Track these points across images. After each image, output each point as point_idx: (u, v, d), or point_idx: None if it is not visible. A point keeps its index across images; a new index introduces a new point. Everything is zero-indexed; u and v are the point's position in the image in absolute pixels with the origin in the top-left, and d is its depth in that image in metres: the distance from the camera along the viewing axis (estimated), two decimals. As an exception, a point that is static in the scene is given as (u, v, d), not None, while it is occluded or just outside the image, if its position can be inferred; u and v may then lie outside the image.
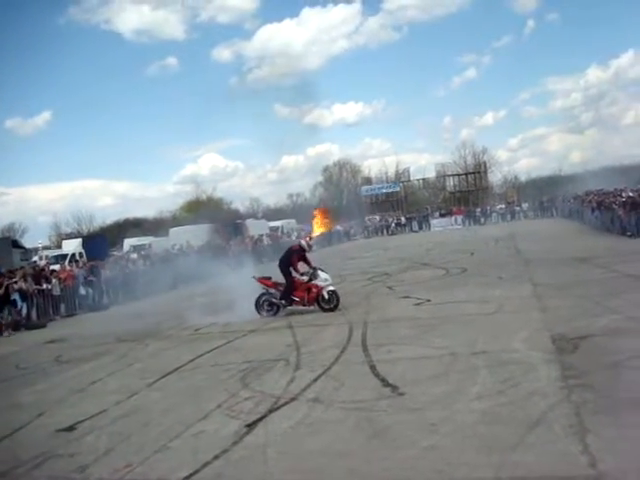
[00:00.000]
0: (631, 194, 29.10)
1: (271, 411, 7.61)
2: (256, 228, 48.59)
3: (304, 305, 15.38)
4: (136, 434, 7.46)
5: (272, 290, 15.77)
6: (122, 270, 27.67)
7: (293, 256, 15.62)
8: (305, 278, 15.38)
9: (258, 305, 15.74)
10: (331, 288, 15.29)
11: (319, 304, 15.22)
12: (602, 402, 6.53)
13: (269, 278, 15.93)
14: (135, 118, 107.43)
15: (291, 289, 15.41)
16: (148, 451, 6.73)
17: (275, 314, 15.56)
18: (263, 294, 15.83)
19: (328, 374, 9.08)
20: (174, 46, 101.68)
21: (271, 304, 15.70)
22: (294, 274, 15.47)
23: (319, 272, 15.28)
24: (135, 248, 42.89)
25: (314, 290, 15.20)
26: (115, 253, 40.94)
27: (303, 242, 15.89)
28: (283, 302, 15.52)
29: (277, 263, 16.12)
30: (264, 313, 15.63)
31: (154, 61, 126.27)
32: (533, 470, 5.17)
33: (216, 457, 6.28)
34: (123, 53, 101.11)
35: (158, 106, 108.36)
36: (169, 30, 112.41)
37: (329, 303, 15.13)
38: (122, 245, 49.65)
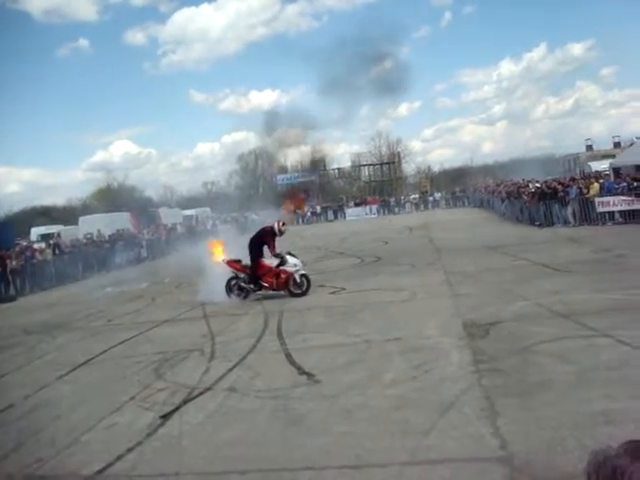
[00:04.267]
0: (539, 185, 29.99)
1: (186, 402, 7.54)
2: (170, 217, 47.81)
3: (274, 290, 15.12)
4: (46, 428, 7.26)
5: (241, 274, 15.43)
6: (29, 260, 26.78)
7: (267, 236, 15.27)
8: (274, 263, 15.12)
9: (228, 288, 15.44)
10: (302, 272, 15.16)
11: (289, 289, 15.01)
12: (512, 386, 6.75)
13: (239, 261, 15.51)
14: (43, 102, 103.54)
15: (257, 273, 15.12)
16: (59, 445, 6.57)
17: (245, 298, 15.22)
18: (232, 277, 15.48)
19: (243, 363, 9.06)
20: (85, 27, 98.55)
21: (241, 288, 15.38)
22: (263, 259, 15.29)
23: (288, 257, 15.07)
24: (43, 237, 41.60)
25: (283, 276, 14.96)
26: (22, 242, 39.56)
27: (276, 225, 15.50)
28: (252, 287, 15.23)
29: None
30: (234, 297, 15.30)
31: (64, 43, 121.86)
32: (446, 453, 5.30)
33: (130, 450, 6.18)
34: (32, 34, 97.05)
35: (68, 89, 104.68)
36: (80, 10, 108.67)
37: (300, 287, 14.98)
38: (29, 234, 47.98)
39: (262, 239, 15.33)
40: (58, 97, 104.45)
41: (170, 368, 9.30)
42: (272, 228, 15.49)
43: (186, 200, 72.70)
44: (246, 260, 15.40)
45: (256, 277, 15.15)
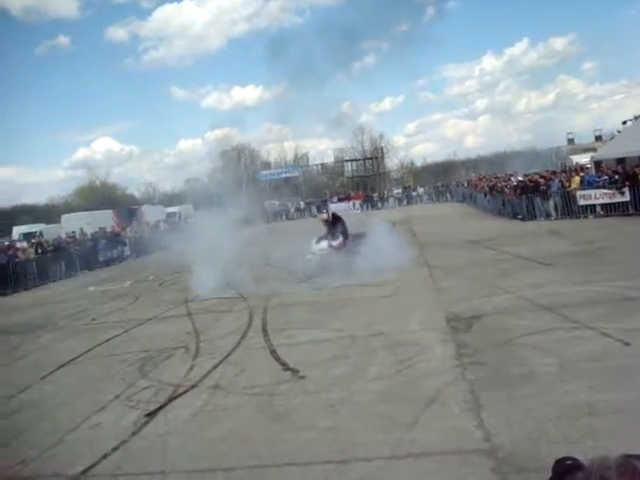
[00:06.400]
0: (521, 178, 30.14)
1: (171, 400, 7.53)
2: (152, 214, 47.60)
3: None
4: (30, 429, 7.22)
5: None
6: (11, 259, 26.55)
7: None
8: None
9: None
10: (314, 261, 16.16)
11: None
12: (495, 378, 6.80)
13: None
14: (24, 100, 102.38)
15: None
16: (43, 446, 6.53)
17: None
18: None
19: (228, 360, 9.05)
20: (66, 24, 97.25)
21: None
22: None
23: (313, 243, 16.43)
24: (25, 236, 41.28)
25: None
26: (3, 241, 39.23)
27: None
28: None
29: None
30: None
31: (45, 40, 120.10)
32: (429, 447, 5.32)
33: (115, 449, 6.16)
34: (11, 31, 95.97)
35: (49, 87, 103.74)
36: (60, 7, 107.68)
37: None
38: (11, 233, 47.57)
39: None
40: (39, 95, 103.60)
41: (155, 366, 9.28)
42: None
43: (169, 197, 72.36)
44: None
45: None
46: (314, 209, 60.95)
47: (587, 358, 7.02)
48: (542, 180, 26.90)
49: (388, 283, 13.96)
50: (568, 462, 1.53)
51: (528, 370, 6.88)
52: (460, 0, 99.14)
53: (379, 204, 60.21)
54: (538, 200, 25.80)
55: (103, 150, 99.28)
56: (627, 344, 7.36)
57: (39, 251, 29.00)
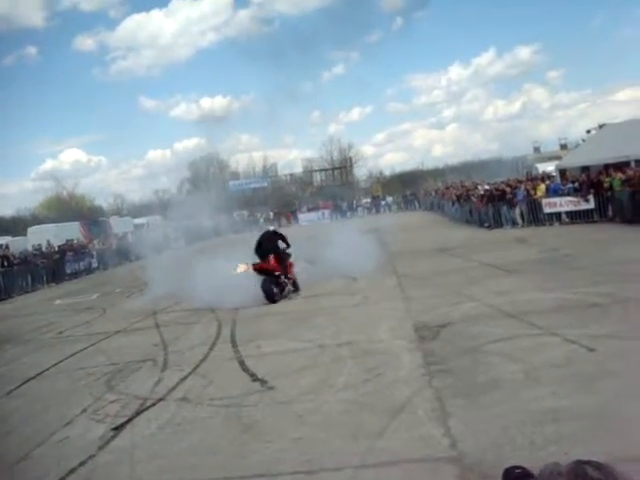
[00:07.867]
0: (487, 187, 30.45)
1: (138, 413, 7.48)
2: (120, 225, 47.32)
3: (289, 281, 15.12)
4: (-5, 444, 7.14)
5: (277, 272, 14.60)
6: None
7: (277, 235, 15.42)
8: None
9: (268, 291, 14.29)
10: None
11: (295, 282, 15.37)
12: (462, 386, 6.87)
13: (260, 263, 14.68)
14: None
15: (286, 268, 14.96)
16: (10, 461, 6.45)
17: (284, 296, 14.70)
18: (266, 279, 14.36)
19: (197, 372, 9.03)
20: (33, 34, 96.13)
21: (278, 285, 14.63)
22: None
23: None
24: (-10, 249, 40.79)
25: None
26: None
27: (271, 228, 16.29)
28: (286, 281, 14.84)
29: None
30: (278, 297, 14.43)
31: (12, 50, 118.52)
32: (398, 455, 5.37)
33: (82, 463, 6.11)
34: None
35: (15, 98, 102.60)
36: (27, 17, 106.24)
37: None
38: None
39: (277, 238, 15.24)
40: (6, 105, 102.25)
41: (122, 379, 9.22)
42: (275, 230, 16.05)
43: (137, 208, 71.81)
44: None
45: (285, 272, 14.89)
46: (283, 219, 61.00)
47: (552, 364, 7.13)
48: (508, 188, 27.22)
49: (357, 292, 14.04)
50: (517, 470, 1.58)
51: (494, 377, 6.97)
52: (427, 10, 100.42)
53: (348, 213, 60.41)
54: (504, 208, 26.15)
55: (71, 161, 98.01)
56: (592, 350, 7.49)
57: (5, 264, 28.60)
